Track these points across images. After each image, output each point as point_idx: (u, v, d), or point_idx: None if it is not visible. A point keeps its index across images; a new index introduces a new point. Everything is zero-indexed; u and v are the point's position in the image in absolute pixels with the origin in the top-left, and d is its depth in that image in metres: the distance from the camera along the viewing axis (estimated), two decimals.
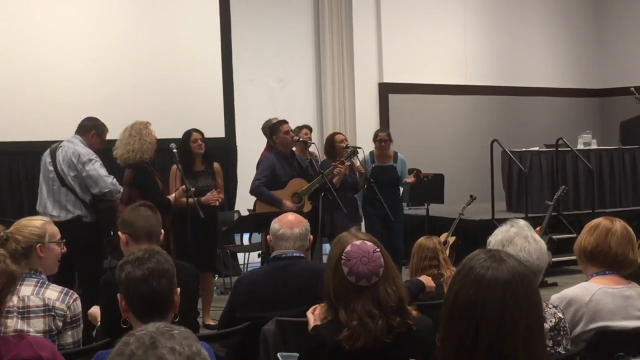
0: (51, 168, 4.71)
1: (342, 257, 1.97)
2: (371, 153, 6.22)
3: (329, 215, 5.68)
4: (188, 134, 5.21)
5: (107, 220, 4.71)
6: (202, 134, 5.21)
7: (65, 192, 4.66)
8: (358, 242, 1.99)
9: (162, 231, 2.74)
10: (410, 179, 6.12)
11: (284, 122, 5.51)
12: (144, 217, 2.66)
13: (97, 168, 4.67)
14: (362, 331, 1.93)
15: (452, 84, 8.96)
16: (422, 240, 3.67)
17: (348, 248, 1.98)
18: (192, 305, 2.79)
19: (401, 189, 6.32)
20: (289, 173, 5.45)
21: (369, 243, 2.00)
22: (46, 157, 4.78)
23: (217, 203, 5.10)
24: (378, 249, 2.00)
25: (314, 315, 2.23)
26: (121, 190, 4.71)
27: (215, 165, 5.32)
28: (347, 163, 5.65)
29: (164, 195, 4.67)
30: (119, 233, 2.69)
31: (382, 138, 6.17)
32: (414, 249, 3.65)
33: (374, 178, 5.99)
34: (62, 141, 4.79)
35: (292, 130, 5.49)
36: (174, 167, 5.05)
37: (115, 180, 4.74)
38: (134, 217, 2.66)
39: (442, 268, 3.60)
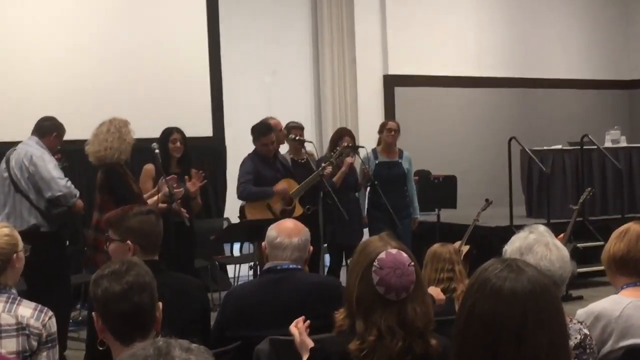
0: (5, 174, 4.72)
1: (375, 264, 1.97)
2: (374, 150, 6.23)
3: (328, 221, 5.69)
4: (168, 132, 5.23)
5: (62, 227, 4.68)
6: (183, 135, 5.23)
7: (19, 199, 4.66)
8: (394, 252, 2.00)
9: None
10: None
11: (266, 132, 5.48)
12: (156, 226, 2.73)
13: (50, 169, 4.65)
14: (377, 348, 1.93)
15: (464, 76, 8.96)
16: (436, 248, 3.66)
17: (382, 255, 1.98)
18: (203, 324, 2.80)
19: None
20: (272, 175, 5.48)
21: (404, 255, 2.01)
22: (3, 163, 4.79)
23: (199, 185, 5.09)
24: (413, 263, 2.00)
25: (298, 329, 2.23)
26: (77, 195, 4.69)
27: (193, 170, 5.33)
28: (335, 163, 5.63)
29: (140, 200, 4.65)
30: (127, 242, 2.69)
31: (392, 127, 6.20)
32: (427, 257, 3.64)
33: (378, 175, 6.01)
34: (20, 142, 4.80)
35: (273, 141, 5.49)
36: (148, 167, 5.08)
37: (70, 183, 4.72)
38: (147, 226, 2.71)
39: (456, 281, 3.59)
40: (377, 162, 6.13)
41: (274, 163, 5.53)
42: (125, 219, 2.75)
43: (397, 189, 6.14)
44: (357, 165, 6.20)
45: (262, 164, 5.47)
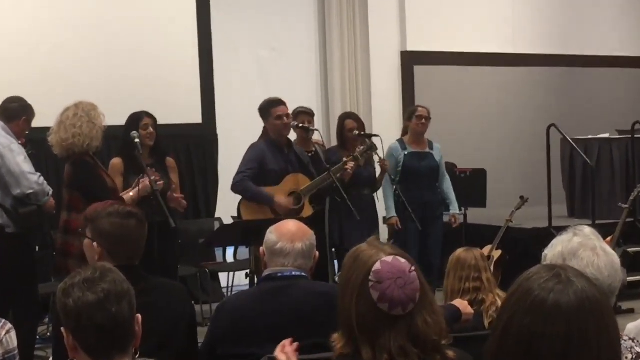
0: None
1: (370, 278, 1.95)
2: (401, 140, 6.24)
3: (337, 222, 5.68)
4: (137, 117, 5.23)
5: (31, 229, 4.68)
6: (154, 119, 5.24)
7: None
8: (389, 259, 1.97)
9: None
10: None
11: (278, 102, 5.51)
12: (134, 233, 2.72)
13: (19, 162, 4.63)
14: None
15: (496, 53, 8.94)
16: (460, 253, 3.68)
17: (377, 266, 1.95)
18: (189, 339, 2.82)
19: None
20: (284, 167, 5.47)
21: (402, 259, 1.98)
22: None
23: (182, 208, 5.12)
24: (414, 267, 1.98)
25: (285, 354, 2.22)
26: (50, 193, 4.69)
27: (169, 160, 5.36)
28: (361, 159, 5.64)
29: (116, 196, 4.61)
30: (94, 243, 2.73)
31: (423, 114, 6.22)
32: (450, 265, 3.65)
33: (408, 168, 6.04)
34: None
35: (288, 114, 5.49)
36: (116, 162, 5.12)
37: (42, 179, 4.72)
38: (120, 232, 2.71)
39: (484, 291, 3.59)
40: (405, 152, 6.15)
41: (287, 154, 5.51)
42: (98, 217, 2.77)
43: (429, 183, 6.17)
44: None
45: (272, 153, 5.46)
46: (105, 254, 2.71)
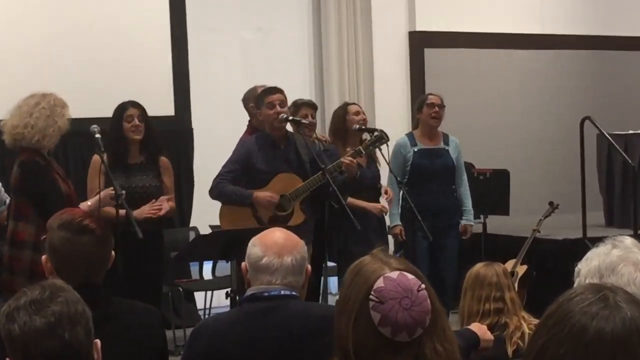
0: None
1: (371, 297, 1.94)
2: (410, 135, 6.23)
3: (337, 234, 5.68)
4: (122, 108, 5.25)
5: None
6: (142, 110, 5.26)
7: None
8: (394, 275, 1.96)
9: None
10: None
11: (273, 90, 5.52)
12: (87, 251, 2.68)
13: None
14: None
15: (520, 34, 8.95)
16: (479, 269, 3.69)
17: (380, 283, 1.95)
18: None
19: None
20: (275, 167, 5.46)
21: (409, 276, 1.97)
22: None
23: (157, 215, 5.10)
24: (423, 285, 1.97)
25: None
26: (6, 202, 4.69)
27: (163, 160, 5.36)
28: (363, 153, 5.63)
29: (71, 204, 4.59)
30: (44, 258, 2.73)
31: (435, 102, 6.21)
32: (467, 282, 3.66)
33: (418, 167, 6.03)
34: None
35: (283, 101, 5.48)
36: (96, 158, 5.07)
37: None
38: (68, 249, 2.68)
39: (506, 314, 3.59)
40: (415, 149, 6.13)
41: (284, 151, 5.52)
42: (51, 229, 2.75)
43: (443, 186, 6.16)
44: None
45: (263, 150, 5.46)
46: (54, 273, 2.69)
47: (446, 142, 6.27)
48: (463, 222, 6.25)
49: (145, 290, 4.97)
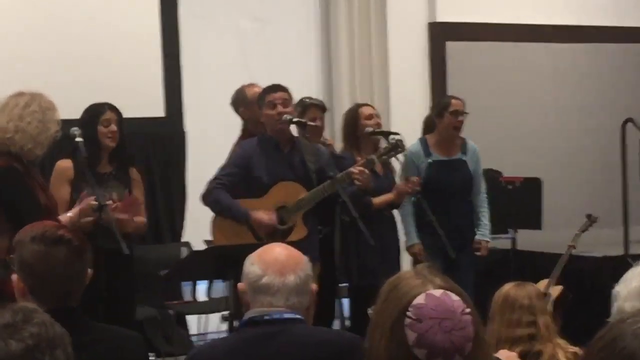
0: None
1: (408, 314, 1.96)
2: (423, 141, 6.22)
3: (345, 249, 5.68)
4: (97, 110, 5.26)
5: None
6: (119, 114, 5.29)
7: None
8: (437, 293, 1.99)
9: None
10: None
11: (276, 88, 5.55)
12: (61, 267, 2.68)
13: None
14: None
15: (553, 25, 8.96)
16: (509, 290, 3.69)
17: (420, 300, 1.97)
18: None
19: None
20: (277, 173, 5.46)
21: (454, 297, 1.99)
22: None
23: (131, 229, 5.13)
24: (469, 310, 1.99)
25: None
26: None
27: (133, 170, 5.40)
28: (375, 163, 5.63)
29: (49, 217, 4.59)
30: (14, 277, 2.73)
31: (459, 108, 6.19)
32: (495, 305, 3.66)
33: (432, 181, 6.03)
34: None
35: (286, 99, 5.49)
36: (64, 164, 5.13)
37: None
38: (42, 265, 2.69)
39: (540, 340, 3.59)
40: (430, 160, 6.12)
41: (288, 155, 5.53)
42: (21, 243, 2.75)
43: (460, 201, 6.17)
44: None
45: (264, 154, 5.48)
46: (27, 293, 2.69)
47: (464, 151, 6.26)
48: (478, 237, 6.26)
49: (115, 314, 4.97)
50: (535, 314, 3.64)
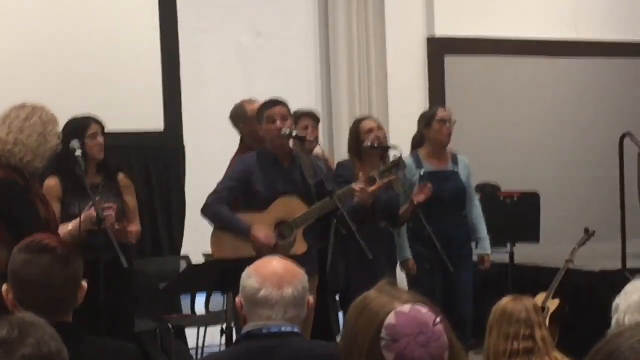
0: None
1: (383, 336, 1.95)
2: (414, 154, 6.21)
3: (342, 263, 5.67)
4: (82, 125, 5.25)
5: None
6: (102, 126, 5.31)
7: None
8: (405, 309, 1.97)
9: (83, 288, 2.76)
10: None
11: (273, 103, 5.55)
12: (46, 276, 2.67)
13: None
14: None
15: (552, 40, 8.96)
16: (507, 304, 3.68)
17: (391, 319, 1.96)
18: None
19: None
20: (279, 188, 5.47)
21: (423, 309, 1.99)
22: None
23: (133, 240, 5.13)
24: (439, 319, 1.98)
25: None
26: None
27: (122, 177, 5.39)
28: (383, 181, 5.62)
29: (51, 230, 4.61)
30: (4, 288, 2.73)
31: (445, 117, 6.17)
32: (493, 319, 3.66)
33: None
34: None
35: (285, 115, 5.48)
36: (51, 183, 5.13)
37: None
38: (27, 274, 2.68)
39: (537, 354, 3.58)
40: (421, 172, 6.11)
41: (288, 170, 5.53)
42: (13, 254, 2.75)
43: (454, 213, 6.14)
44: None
45: (264, 169, 5.47)
46: (17, 306, 2.67)
47: (455, 162, 6.24)
48: (479, 252, 6.23)
49: (115, 327, 4.98)
50: (532, 328, 3.63)
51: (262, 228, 5.36)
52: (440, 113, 6.21)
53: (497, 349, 3.60)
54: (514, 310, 3.64)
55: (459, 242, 6.09)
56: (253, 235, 5.34)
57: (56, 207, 5.08)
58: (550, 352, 3.61)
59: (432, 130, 6.18)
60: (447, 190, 6.10)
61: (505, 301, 3.72)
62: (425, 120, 6.28)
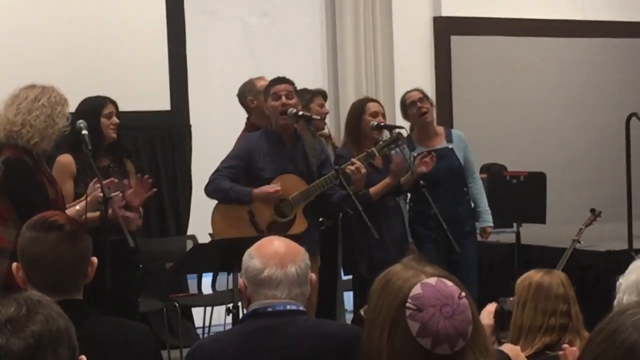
0: None
1: (408, 305, 1.96)
2: (409, 136, 6.18)
3: (348, 241, 5.67)
4: (99, 103, 5.25)
5: None
6: (117, 106, 5.32)
7: None
8: (432, 281, 1.99)
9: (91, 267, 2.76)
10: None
11: (281, 80, 5.55)
12: (54, 253, 2.68)
13: None
14: None
15: (559, 20, 8.95)
16: (541, 278, 3.56)
17: (417, 290, 1.97)
18: None
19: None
20: (280, 167, 5.46)
21: (449, 283, 2.00)
22: None
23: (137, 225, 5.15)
24: (464, 293, 2.00)
25: None
26: None
27: (129, 163, 5.41)
28: (375, 156, 5.61)
29: (57, 209, 4.55)
30: (14, 265, 2.75)
31: (415, 97, 6.16)
32: (526, 293, 3.53)
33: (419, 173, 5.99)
34: None
35: (290, 91, 5.48)
36: (65, 159, 5.13)
37: None
38: (36, 250, 2.69)
39: (571, 331, 3.48)
40: (414, 154, 6.09)
41: (291, 149, 5.53)
42: (22, 232, 2.76)
43: (452, 190, 6.12)
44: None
45: (267, 148, 5.47)
46: (26, 282, 2.69)
47: (449, 139, 6.22)
48: (480, 224, 6.23)
49: (121, 305, 4.97)
50: (569, 304, 3.51)
51: (263, 188, 5.35)
52: (408, 97, 6.20)
53: (533, 323, 3.48)
54: (551, 285, 3.52)
55: (459, 219, 6.06)
56: (255, 193, 5.34)
57: (69, 185, 5.09)
58: (580, 330, 3.49)
59: (410, 116, 6.21)
60: (442, 169, 6.06)
61: (537, 275, 3.60)
62: (402, 110, 6.29)
